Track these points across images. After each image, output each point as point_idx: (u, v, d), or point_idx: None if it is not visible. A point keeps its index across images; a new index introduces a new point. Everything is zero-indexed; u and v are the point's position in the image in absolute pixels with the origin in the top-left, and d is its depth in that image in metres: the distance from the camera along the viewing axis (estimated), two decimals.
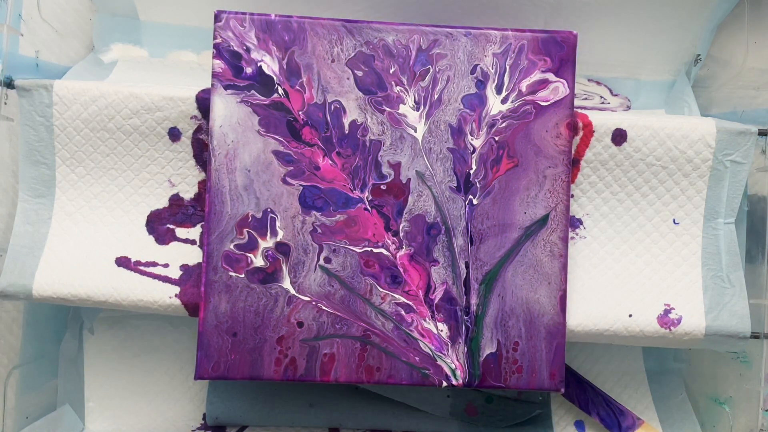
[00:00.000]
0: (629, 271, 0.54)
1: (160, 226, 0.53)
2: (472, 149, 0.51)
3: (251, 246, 0.50)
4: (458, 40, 0.51)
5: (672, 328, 0.53)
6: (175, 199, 0.54)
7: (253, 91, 0.50)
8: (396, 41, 0.51)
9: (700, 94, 0.62)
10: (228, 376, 0.49)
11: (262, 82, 0.50)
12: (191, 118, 0.52)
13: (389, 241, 0.50)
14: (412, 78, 0.51)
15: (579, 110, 0.54)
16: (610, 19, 0.61)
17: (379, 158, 0.50)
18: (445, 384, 0.50)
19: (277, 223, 0.50)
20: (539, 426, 0.59)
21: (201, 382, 0.60)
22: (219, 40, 0.50)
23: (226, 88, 0.50)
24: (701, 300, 0.53)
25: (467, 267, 0.50)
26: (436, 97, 0.51)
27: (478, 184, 0.51)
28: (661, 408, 0.61)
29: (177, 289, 0.52)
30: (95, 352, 0.60)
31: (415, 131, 0.51)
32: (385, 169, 0.51)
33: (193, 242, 0.53)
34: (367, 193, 0.50)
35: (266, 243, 0.50)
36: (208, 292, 0.49)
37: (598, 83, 0.64)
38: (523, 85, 0.51)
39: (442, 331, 0.50)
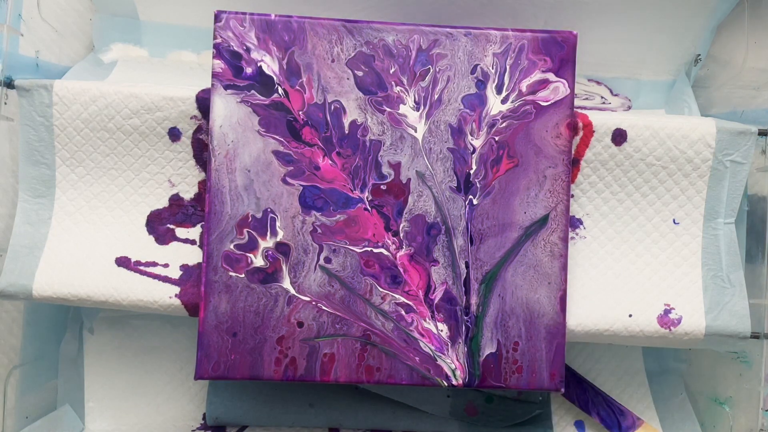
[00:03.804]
0: (629, 271, 0.54)
1: (160, 226, 0.53)
2: (472, 149, 0.51)
3: (251, 246, 0.50)
4: (458, 40, 0.51)
5: (672, 328, 0.53)
6: (175, 199, 0.54)
7: (253, 91, 0.50)
8: (396, 41, 0.51)
9: (700, 94, 0.62)
10: (228, 376, 0.49)
11: (262, 82, 0.50)
12: (191, 118, 0.52)
13: (389, 241, 0.50)
14: (412, 78, 0.51)
15: (579, 110, 0.54)
16: (610, 19, 0.61)
17: (379, 158, 0.50)
18: (445, 384, 0.50)
19: (277, 223, 0.50)
20: (539, 426, 0.59)
21: (201, 382, 0.60)
22: (219, 40, 0.50)
23: (226, 88, 0.50)
24: (701, 300, 0.53)
25: (467, 267, 0.50)
26: (436, 97, 0.51)
27: (478, 184, 0.51)
28: (661, 408, 0.61)
29: (177, 289, 0.52)
30: (95, 352, 0.60)
31: (415, 131, 0.51)
32: (385, 169, 0.51)
33: (193, 242, 0.53)
34: (367, 193, 0.50)
35: (266, 243, 0.50)
36: (208, 292, 0.49)
37: (598, 83, 0.64)
38: (524, 85, 0.51)
39: (442, 331, 0.50)
